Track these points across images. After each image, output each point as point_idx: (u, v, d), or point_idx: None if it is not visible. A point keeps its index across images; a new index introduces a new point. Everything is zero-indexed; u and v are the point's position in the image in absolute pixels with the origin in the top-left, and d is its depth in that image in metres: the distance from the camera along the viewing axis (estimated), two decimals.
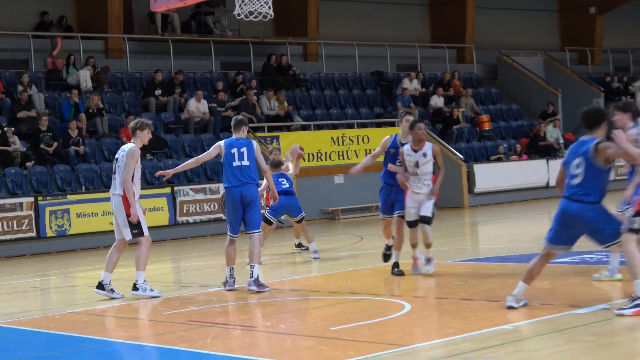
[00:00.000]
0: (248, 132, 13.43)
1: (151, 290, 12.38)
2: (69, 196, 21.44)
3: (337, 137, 27.67)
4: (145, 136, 12.63)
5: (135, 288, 12.32)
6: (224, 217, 14.50)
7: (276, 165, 16.37)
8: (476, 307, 10.01)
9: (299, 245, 17.46)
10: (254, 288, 12.06)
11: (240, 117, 13.31)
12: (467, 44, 35.95)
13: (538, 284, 11.32)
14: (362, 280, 13.72)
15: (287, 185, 16.13)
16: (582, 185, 9.25)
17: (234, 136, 12.72)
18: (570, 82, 36.86)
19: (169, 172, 13.25)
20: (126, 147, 12.44)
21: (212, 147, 12.85)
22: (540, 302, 10.06)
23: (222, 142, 12.67)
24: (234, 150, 12.37)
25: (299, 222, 16.44)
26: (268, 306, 11.54)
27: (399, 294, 11.41)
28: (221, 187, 22.92)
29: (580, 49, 40.62)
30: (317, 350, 8.48)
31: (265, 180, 13.85)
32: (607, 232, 9.23)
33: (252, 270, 12.20)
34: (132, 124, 12.92)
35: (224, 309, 11.58)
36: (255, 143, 12.63)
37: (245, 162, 12.33)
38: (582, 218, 9.25)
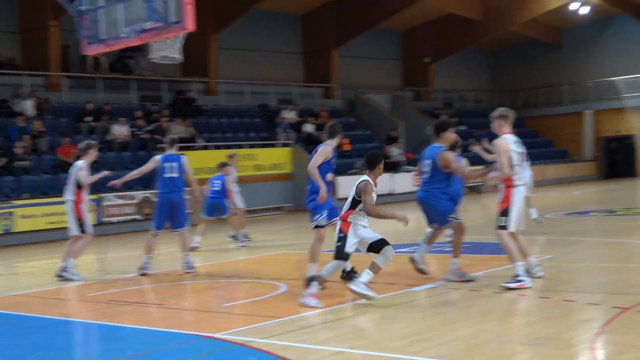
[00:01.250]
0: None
1: (78, 275, 12.23)
2: (13, 201, 21.17)
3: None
4: (93, 154, 12.69)
5: (63, 272, 12.15)
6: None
7: (221, 165, 16.56)
8: (340, 287, 10.08)
9: (244, 236, 16.94)
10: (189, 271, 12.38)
11: (174, 137, 13.45)
12: (332, 84, 36.34)
13: (386, 268, 11.53)
14: (250, 267, 13.74)
15: (218, 188, 16.01)
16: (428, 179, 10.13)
17: (167, 152, 12.74)
18: (410, 114, 37.74)
19: (119, 182, 13.01)
20: (78, 163, 12.33)
21: (150, 161, 12.85)
22: (386, 282, 10.24)
23: (158, 157, 12.78)
24: (167, 164, 12.43)
25: (229, 218, 16.45)
26: (176, 288, 11.50)
27: (278, 277, 11.44)
28: (138, 194, 22.97)
29: (417, 89, 41.56)
30: (212, 322, 8.48)
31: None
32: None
33: (188, 258, 12.53)
34: (83, 144, 12.82)
35: (139, 291, 11.46)
36: (185, 158, 12.68)
37: (175, 174, 12.39)
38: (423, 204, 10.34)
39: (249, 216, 25.37)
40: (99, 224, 22.54)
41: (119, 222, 23.40)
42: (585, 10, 41.27)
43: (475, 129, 39.41)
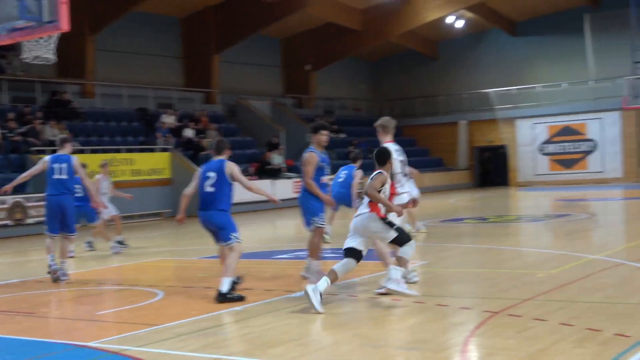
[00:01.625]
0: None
1: None
2: None
3: (108, 160, 27.00)
4: None
5: None
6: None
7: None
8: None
9: (120, 242, 16.46)
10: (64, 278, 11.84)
11: (65, 136, 12.90)
12: (213, 89, 36.11)
13: (262, 274, 11.53)
14: (126, 274, 13.44)
15: (81, 194, 15.37)
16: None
17: (58, 152, 12.30)
18: (291, 121, 37.90)
19: (9, 187, 12.50)
20: None
21: (39, 162, 12.29)
22: (264, 288, 10.24)
23: (47, 157, 12.20)
24: (56, 165, 11.91)
25: (96, 225, 16.02)
26: (48, 295, 11.11)
27: (154, 284, 11.25)
28: (9, 198, 22.00)
29: (298, 96, 41.83)
30: (86, 331, 8.26)
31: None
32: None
33: (64, 265, 12.03)
34: None
35: (7, 299, 10.97)
36: (75, 159, 12.14)
37: (64, 176, 11.90)
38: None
39: (126, 222, 24.90)
40: None
41: None
42: (460, 23, 42.67)
43: (355, 137, 40.08)
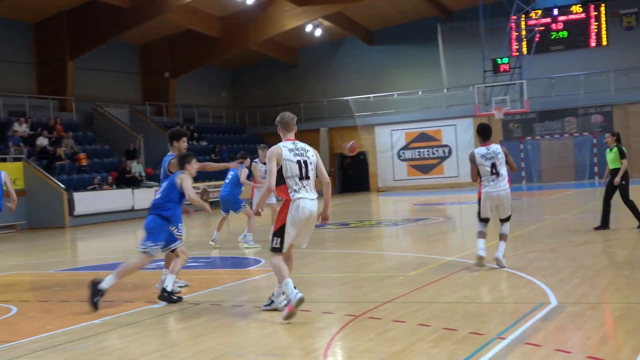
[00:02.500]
0: None
1: None
2: None
3: None
4: None
5: None
6: None
7: None
8: (73, 308, 9.76)
9: None
10: None
11: None
12: (68, 97, 35.05)
13: (123, 286, 11.27)
14: None
15: None
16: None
17: None
18: (150, 128, 37.30)
19: None
20: None
21: None
22: (124, 299, 10.03)
23: None
24: None
25: None
26: None
27: (8, 300, 10.80)
28: None
29: (158, 103, 41.20)
30: None
31: None
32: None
33: None
34: None
35: None
36: (4, 174, 11.80)
37: None
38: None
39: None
40: None
41: None
42: (319, 32, 43.21)
43: (215, 144, 39.90)
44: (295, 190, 8.30)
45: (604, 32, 39.26)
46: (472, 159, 10.90)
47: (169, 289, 9.42)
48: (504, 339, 6.76)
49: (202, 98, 45.23)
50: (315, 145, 43.22)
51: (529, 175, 38.32)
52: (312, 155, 8.65)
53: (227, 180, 16.38)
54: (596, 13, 39.31)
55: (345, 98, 43.74)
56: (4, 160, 27.96)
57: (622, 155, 14.71)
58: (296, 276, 11.47)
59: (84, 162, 31.35)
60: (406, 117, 42.07)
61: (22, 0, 31.49)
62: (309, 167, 8.48)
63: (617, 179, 14.60)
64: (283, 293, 8.36)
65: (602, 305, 8.12)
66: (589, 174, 37.19)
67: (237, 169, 15.78)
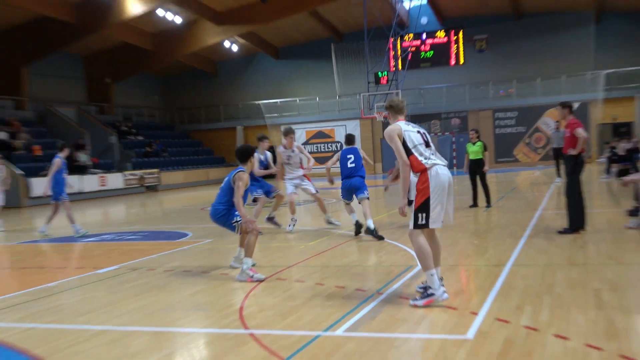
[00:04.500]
0: None
1: None
2: None
3: None
4: None
5: None
6: None
7: None
8: (32, 273, 9.51)
9: None
10: None
11: None
12: (23, 97, 33.78)
13: (73, 254, 10.99)
14: None
15: None
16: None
17: None
18: (94, 125, 36.27)
19: None
20: None
21: None
22: (74, 267, 9.81)
23: None
24: None
25: None
26: None
27: None
28: None
29: (100, 104, 40.16)
30: None
31: None
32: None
33: None
34: None
35: None
36: None
37: None
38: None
39: None
40: None
41: None
42: (235, 47, 42.93)
43: (150, 139, 39.25)
44: (426, 157, 6.37)
45: (461, 53, 40.26)
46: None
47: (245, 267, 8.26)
48: (381, 294, 6.93)
49: (138, 100, 44.38)
50: (232, 140, 42.91)
51: None
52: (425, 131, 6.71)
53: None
54: (456, 37, 40.26)
55: (257, 102, 43.64)
56: None
57: (485, 148, 15.68)
58: (217, 246, 11.46)
59: (39, 153, 30.35)
60: (306, 119, 42.29)
61: None
62: (428, 136, 6.61)
63: (487, 167, 15.65)
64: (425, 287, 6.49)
65: (457, 267, 8.39)
66: (449, 165, 38.10)
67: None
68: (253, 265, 8.35)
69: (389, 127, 6.53)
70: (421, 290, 6.51)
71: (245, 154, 8.51)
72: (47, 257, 11.47)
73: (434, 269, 6.31)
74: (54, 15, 31.38)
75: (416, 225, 6.30)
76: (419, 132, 6.53)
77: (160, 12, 34.77)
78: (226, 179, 8.53)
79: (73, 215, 14.62)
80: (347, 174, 11.95)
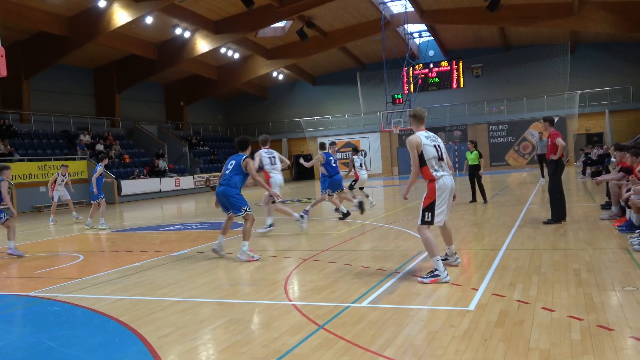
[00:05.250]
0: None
1: None
2: None
3: (41, 166, 25.09)
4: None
5: None
6: None
7: None
8: (121, 255, 9.60)
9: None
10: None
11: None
12: (116, 117, 34.30)
13: (153, 241, 11.01)
14: (58, 244, 12.46)
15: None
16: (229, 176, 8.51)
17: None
18: (171, 139, 36.71)
19: None
20: None
21: None
22: (154, 250, 9.86)
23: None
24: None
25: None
26: None
27: (77, 250, 10.54)
28: None
29: (176, 122, 40.59)
30: (27, 285, 7.61)
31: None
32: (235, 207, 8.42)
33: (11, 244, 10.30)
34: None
35: None
36: None
37: None
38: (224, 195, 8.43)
39: (60, 208, 23.31)
40: None
41: None
42: (280, 76, 43.01)
43: (215, 149, 39.56)
44: (436, 170, 6.37)
45: (461, 78, 39.76)
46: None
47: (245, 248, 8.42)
48: (399, 272, 6.81)
49: (205, 119, 44.69)
50: (279, 150, 42.79)
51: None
52: (441, 141, 6.60)
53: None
54: (457, 66, 39.78)
55: (298, 119, 43.66)
56: (74, 159, 27.26)
57: (480, 156, 15.47)
58: (267, 234, 11.43)
59: (127, 160, 30.79)
60: (337, 132, 42.17)
61: (84, 51, 30.55)
62: (442, 150, 6.51)
63: (482, 171, 15.41)
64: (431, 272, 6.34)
65: (460, 251, 8.24)
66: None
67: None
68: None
69: (412, 137, 6.38)
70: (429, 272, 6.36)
71: (246, 144, 8.88)
72: (133, 242, 11.57)
73: (439, 256, 6.27)
74: (141, 53, 31.83)
75: (423, 222, 6.35)
76: (435, 145, 6.41)
77: (223, 49, 35.02)
78: (235, 162, 8.55)
79: (102, 213, 14.92)
80: (333, 173, 12.93)
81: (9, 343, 4.95)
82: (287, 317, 5.25)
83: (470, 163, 15.53)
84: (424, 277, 6.26)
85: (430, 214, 6.32)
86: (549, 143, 10.20)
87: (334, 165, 13.03)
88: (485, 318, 4.86)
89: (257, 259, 8.31)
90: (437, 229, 6.83)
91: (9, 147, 24.89)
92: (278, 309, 5.54)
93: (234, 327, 5.03)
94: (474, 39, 38.32)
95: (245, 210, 8.43)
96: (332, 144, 14.01)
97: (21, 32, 26.45)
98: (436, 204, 6.31)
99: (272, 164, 11.28)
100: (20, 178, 23.92)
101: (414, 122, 6.57)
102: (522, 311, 5.00)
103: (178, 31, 30.29)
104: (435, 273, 6.23)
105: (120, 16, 25.84)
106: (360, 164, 15.76)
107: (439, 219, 6.34)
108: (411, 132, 7.03)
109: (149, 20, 27.46)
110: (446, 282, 6.14)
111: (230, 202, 8.44)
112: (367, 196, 16.28)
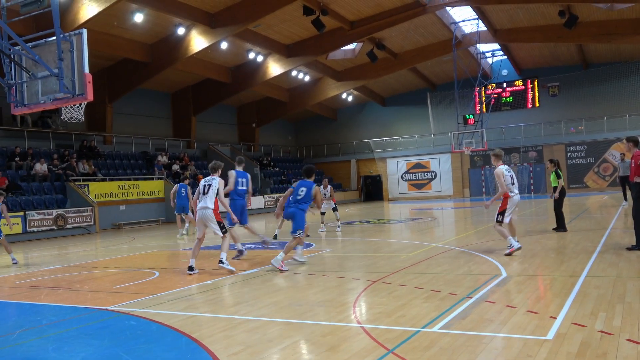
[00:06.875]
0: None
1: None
2: None
3: (121, 185, 26.31)
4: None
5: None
6: None
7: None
8: (191, 276, 9.85)
9: None
10: None
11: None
12: (192, 139, 35.57)
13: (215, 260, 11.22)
14: (134, 260, 12.96)
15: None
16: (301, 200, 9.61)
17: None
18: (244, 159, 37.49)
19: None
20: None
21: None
22: (212, 269, 10.04)
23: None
24: None
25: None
26: (80, 276, 10.58)
27: (153, 267, 10.91)
28: (54, 211, 21.02)
29: (248, 143, 41.55)
30: (105, 299, 7.93)
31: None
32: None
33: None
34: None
35: (53, 279, 10.44)
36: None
37: None
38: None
39: (136, 226, 24.25)
40: (24, 232, 20.74)
41: (39, 231, 21.38)
42: (350, 98, 43.23)
43: (285, 170, 40.10)
44: (511, 191, 9.94)
45: (537, 98, 38.54)
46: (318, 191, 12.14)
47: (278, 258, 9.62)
48: (471, 298, 6.62)
49: (276, 139, 45.50)
50: (348, 170, 42.90)
51: (487, 191, 37.75)
52: (512, 171, 10.09)
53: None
54: (532, 85, 38.63)
55: (367, 140, 43.63)
56: (152, 179, 28.39)
57: (558, 176, 13.45)
58: (336, 254, 11.41)
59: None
60: (407, 153, 41.77)
61: (163, 76, 31.98)
62: (515, 178, 10.07)
63: (556, 194, 13.30)
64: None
65: (536, 276, 7.91)
66: (527, 190, 36.46)
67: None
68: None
69: (498, 169, 10.01)
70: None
71: (311, 172, 9.87)
72: (205, 259, 11.83)
73: (511, 236, 9.85)
74: (216, 77, 32.99)
75: (497, 221, 9.96)
76: (510, 175, 9.97)
77: (294, 72, 35.70)
78: (306, 189, 9.53)
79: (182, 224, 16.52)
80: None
81: (89, 355, 5.16)
82: (355, 339, 5.18)
83: (552, 184, 13.50)
84: (506, 251, 9.65)
85: (501, 217, 9.92)
86: (633, 164, 9.65)
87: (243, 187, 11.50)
88: (565, 349, 4.60)
89: (286, 270, 9.31)
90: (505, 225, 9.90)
91: (92, 167, 26.28)
92: (346, 331, 5.48)
93: (302, 348, 5.01)
94: (550, 57, 37.12)
95: (300, 233, 9.59)
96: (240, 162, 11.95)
97: (107, 59, 28.08)
98: (507, 211, 9.92)
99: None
100: (102, 197, 25.14)
101: (496, 159, 10.09)
102: (605, 343, 4.70)
103: (251, 55, 31.18)
104: (509, 245, 9.65)
105: (198, 42, 26.92)
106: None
107: (507, 220, 9.95)
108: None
109: (224, 45, 28.44)
110: (519, 248, 9.68)
111: (296, 222, 9.58)
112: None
